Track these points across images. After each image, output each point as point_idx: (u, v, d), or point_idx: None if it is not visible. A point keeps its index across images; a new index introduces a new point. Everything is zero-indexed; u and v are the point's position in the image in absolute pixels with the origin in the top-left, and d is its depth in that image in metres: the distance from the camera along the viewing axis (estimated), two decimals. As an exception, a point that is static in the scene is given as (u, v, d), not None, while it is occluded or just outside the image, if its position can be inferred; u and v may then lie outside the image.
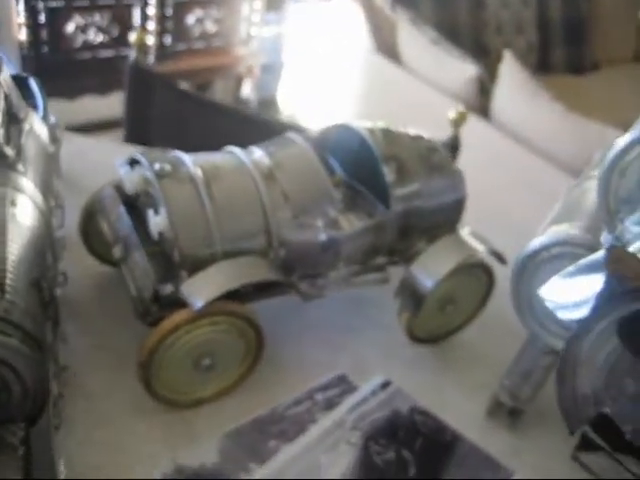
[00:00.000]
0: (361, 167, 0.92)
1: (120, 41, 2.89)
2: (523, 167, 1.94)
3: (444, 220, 0.93)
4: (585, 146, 2.16)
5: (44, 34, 2.78)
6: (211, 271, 0.77)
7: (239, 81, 3.32)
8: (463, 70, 2.67)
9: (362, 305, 0.99)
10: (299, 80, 3.21)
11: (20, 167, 0.82)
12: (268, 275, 0.78)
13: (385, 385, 0.90)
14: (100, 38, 2.90)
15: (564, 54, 3.19)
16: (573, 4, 3.20)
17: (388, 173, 0.87)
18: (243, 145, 0.91)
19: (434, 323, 0.93)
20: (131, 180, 0.83)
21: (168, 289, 0.77)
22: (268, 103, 3.32)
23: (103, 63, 2.91)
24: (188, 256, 0.77)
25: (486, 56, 3.02)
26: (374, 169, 0.88)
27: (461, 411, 0.89)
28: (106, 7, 2.87)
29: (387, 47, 2.97)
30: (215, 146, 0.91)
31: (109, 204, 0.87)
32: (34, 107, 0.99)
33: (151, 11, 2.93)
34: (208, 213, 0.78)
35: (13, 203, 0.76)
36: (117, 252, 0.82)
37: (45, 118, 0.99)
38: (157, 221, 0.77)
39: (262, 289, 0.81)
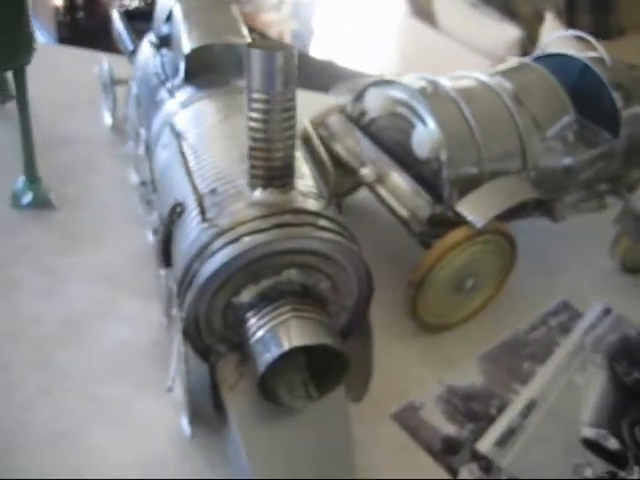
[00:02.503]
0: (580, 96, 0.89)
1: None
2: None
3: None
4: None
5: (80, -1, 2.68)
6: (486, 189, 0.74)
7: (269, 47, 3.23)
8: (504, 33, 2.65)
9: (564, 237, 0.96)
10: (333, 45, 3.16)
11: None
12: (537, 194, 0.76)
13: (607, 311, 0.89)
14: (135, 3, 2.80)
15: (591, 20, 3.19)
16: (600, -31, 3.20)
17: (618, 100, 0.84)
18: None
19: (647, 251, 0.92)
20: (378, 102, 0.79)
21: (437, 209, 0.74)
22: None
23: (138, 28, 2.81)
24: (460, 175, 0.74)
25: (515, 21, 2.99)
26: (596, 97, 0.86)
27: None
28: (141, -28, 2.77)
29: (423, 11, 2.93)
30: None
31: (340, 129, 0.84)
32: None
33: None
34: (475, 132, 0.75)
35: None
36: (369, 175, 0.78)
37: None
38: (426, 139, 0.74)
39: (515, 210, 0.78)
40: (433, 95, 0.76)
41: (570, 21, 3.14)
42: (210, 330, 0.60)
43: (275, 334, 0.55)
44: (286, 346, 0.53)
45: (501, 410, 0.74)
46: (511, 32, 2.62)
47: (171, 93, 0.75)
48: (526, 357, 0.81)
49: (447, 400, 0.74)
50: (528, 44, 2.66)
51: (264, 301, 0.57)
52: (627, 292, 0.92)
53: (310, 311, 0.56)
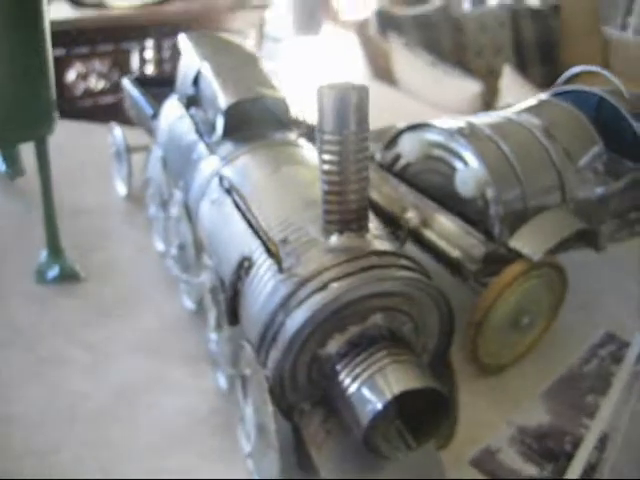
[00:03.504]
0: (599, 129, 0.89)
1: (120, 86, 2.80)
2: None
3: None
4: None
5: (46, 83, 2.65)
6: (535, 223, 0.74)
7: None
8: (465, 89, 2.72)
9: (595, 269, 0.96)
10: (296, 109, 3.18)
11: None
12: (585, 225, 0.75)
13: (651, 338, 0.88)
14: (101, 85, 2.80)
15: (540, 72, 3.31)
16: (544, 25, 3.35)
17: (638, 128, 0.85)
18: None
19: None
20: (414, 146, 0.79)
21: (490, 247, 0.73)
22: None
23: (105, 109, 2.80)
24: (508, 211, 0.73)
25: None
26: (615, 129, 0.87)
27: None
28: (105, 54, 2.78)
29: (384, 73, 2.99)
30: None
31: (374, 177, 0.83)
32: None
33: (149, 55, 2.87)
34: (516, 168, 0.74)
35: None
36: (414, 219, 0.77)
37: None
38: (470, 179, 0.73)
39: (563, 243, 0.77)
40: (472, 134, 0.76)
41: (522, 74, 3.25)
42: (294, 386, 0.56)
43: (373, 383, 0.51)
44: (388, 395, 0.50)
45: (576, 446, 0.71)
46: (472, 87, 2.68)
47: (211, 150, 0.73)
48: (586, 390, 0.79)
49: (520, 441, 0.71)
50: (489, 97, 2.73)
51: (354, 349, 0.54)
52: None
53: (404, 354, 0.53)
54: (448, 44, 3.16)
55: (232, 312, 0.62)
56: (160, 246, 0.89)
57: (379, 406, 0.50)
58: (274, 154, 0.70)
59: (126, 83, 0.99)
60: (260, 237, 0.60)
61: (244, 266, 0.59)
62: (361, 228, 0.57)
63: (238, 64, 0.78)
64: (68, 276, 0.84)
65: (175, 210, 0.78)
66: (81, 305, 0.81)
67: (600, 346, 0.86)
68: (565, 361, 0.82)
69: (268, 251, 0.58)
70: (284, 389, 0.56)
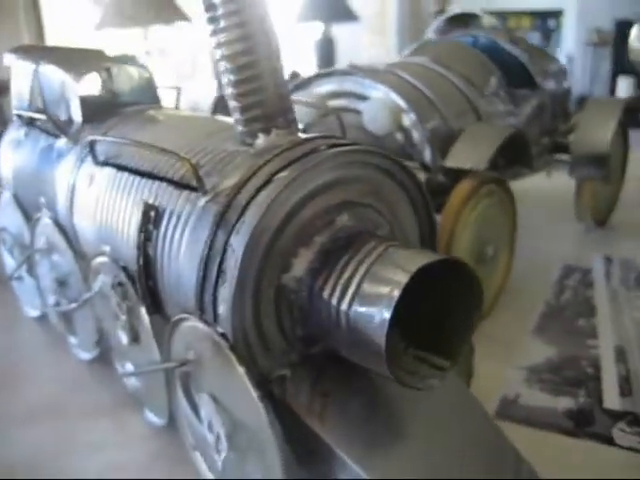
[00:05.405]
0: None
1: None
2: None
3: (566, 107, 0.88)
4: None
5: None
6: (466, 139, 0.63)
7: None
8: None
9: (531, 217, 0.88)
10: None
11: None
12: (516, 129, 0.66)
13: (609, 259, 0.79)
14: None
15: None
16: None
17: (520, 54, 0.80)
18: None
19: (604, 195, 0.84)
20: (308, 104, 0.67)
21: (427, 174, 0.61)
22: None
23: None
24: (435, 135, 0.62)
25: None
26: (499, 63, 0.81)
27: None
28: None
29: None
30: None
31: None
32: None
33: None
34: (426, 93, 0.64)
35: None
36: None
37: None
38: (381, 111, 0.62)
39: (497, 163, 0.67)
40: (367, 70, 0.65)
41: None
42: (264, 343, 0.39)
43: (372, 282, 0.36)
44: (403, 279, 0.34)
45: (596, 367, 0.58)
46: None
47: (73, 140, 0.56)
48: (574, 316, 0.67)
49: (539, 379, 0.57)
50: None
51: (330, 257, 0.38)
52: (606, 240, 0.84)
53: (396, 240, 0.38)
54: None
55: (150, 292, 0.44)
56: (33, 311, 0.69)
57: (389, 310, 0.33)
58: (156, 115, 0.56)
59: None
60: (164, 177, 0.44)
61: (150, 217, 0.43)
62: (289, 123, 0.42)
63: (81, 53, 0.63)
64: None
65: (43, 239, 0.59)
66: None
67: (565, 277, 0.75)
68: (536, 302, 0.70)
69: (176, 184, 0.42)
70: (251, 350, 0.39)
